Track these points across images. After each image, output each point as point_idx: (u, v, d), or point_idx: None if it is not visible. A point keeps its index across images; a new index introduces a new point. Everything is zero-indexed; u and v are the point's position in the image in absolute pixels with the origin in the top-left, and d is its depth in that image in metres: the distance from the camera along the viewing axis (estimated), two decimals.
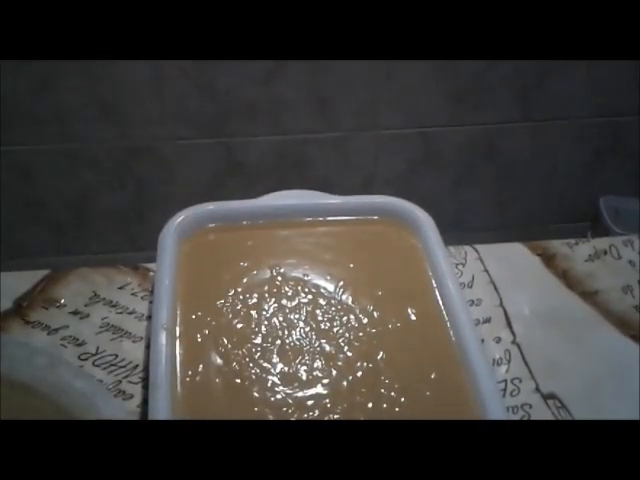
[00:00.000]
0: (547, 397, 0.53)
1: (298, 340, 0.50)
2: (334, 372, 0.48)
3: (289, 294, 0.53)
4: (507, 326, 0.58)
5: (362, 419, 0.45)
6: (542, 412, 0.52)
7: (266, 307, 0.52)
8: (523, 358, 0.55)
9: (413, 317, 0.52)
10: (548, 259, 0.64)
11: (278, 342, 0.50)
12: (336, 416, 0.45)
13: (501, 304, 0.60)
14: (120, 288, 0.59)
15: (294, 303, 0.53)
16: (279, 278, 0.54)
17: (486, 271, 0.62)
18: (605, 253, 0.65)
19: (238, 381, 0.47)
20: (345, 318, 0.52)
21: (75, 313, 0.56)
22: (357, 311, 0.52)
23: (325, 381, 0.48)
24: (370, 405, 0.46)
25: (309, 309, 0.52)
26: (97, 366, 0.53)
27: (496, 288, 0.61)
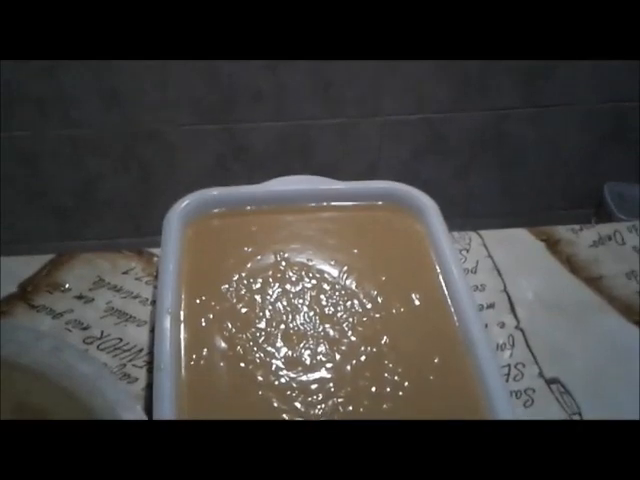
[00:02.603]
0: (550, 382, 0.53)
1: (302, 325, 0.50)
2: (338, 356, 0.48)
3: (293, 279, 0.53)
4: (511, 311, 0.58)
5: (366, 403, 0.46)
6: (545, 397, 0.52)
7: (270, 292, 0.52)
8: (527, 343, 0.55)
9: (417, 302, 0.52)
10: (552, 245, 0.64)
11: (282, 327, 0.50)
12: (340, 399, 0.45)
13: (505, 289, 0.60)
14: (124, 273, 0.59)
15: (298, 288, 0.53)
16: (283, 263, 0.54)
17: (490, 257, 0.62)
18: (609, 239, 0.65)
19: (242, 365, 0.47)
20: (349, 303, 0.52)
21: (80, 297, 0.57)
22: (361, 296, 0.52)
23: (329, 365, 0.48)
24: (374, 389, 0.46)
25: (313, 294, 0.52)
26: (102, 350, 0.53)
27: (500, 274, 0.61)
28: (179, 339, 0.48)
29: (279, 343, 0.49)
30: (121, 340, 0.54)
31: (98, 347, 0.53)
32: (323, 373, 0.47)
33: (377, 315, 0.51)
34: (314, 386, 0.46)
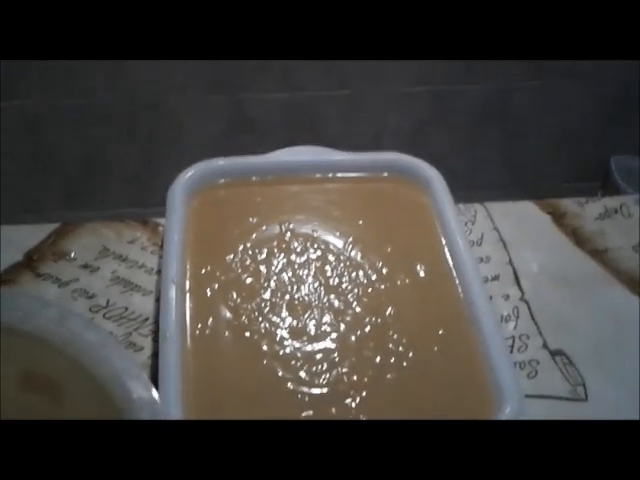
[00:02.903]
0: (555, 354, 0.53)
1: (307, 295, 0.50)
2: (342, 327, 0.48)
3: (298, 250, 0.53)
4: (516, 283, 0.58)
5: (370, 373, 0.46)
6: (549, 368, 0.52)
7: (275, 262, 0.52)
8: (531, 315, 0.55)
9: (422, 274, 0.52)
10: (558, 217, 0.64)
11: (287, 297, 0.50)
12: (344, 369, 0.46)
13: (510, 262, 0.59)
14: (130, 242, 0.59)
15: (303, 259, 0.53)
16: (288, 234, 0.54)
17: (496, 229, 0.62)
18: (616, 212, 0.64)
19: (247, 335, 0.47)
20: (354, 274, 0.52)
21: (85, 266, 0.57)
22: (366, 267, 0.52)
23: (334, 335, 0.48)
24: (378, 359, 0.47)
25: (318, 265, 0.52)
26: (108, 319, 0.53)
27: (505, 246, 0.61)
28: (184, 309, 0.48)
29: (284, 313, 0.49)
30: (127, 309, 0.54)
31: (104, 316, 0.53)
32: (328, 343, 0.47)
33: (382, 286, 0.51)
34: (319, 356, 0.47)
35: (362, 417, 0.43)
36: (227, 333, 0.47)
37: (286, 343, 0.47)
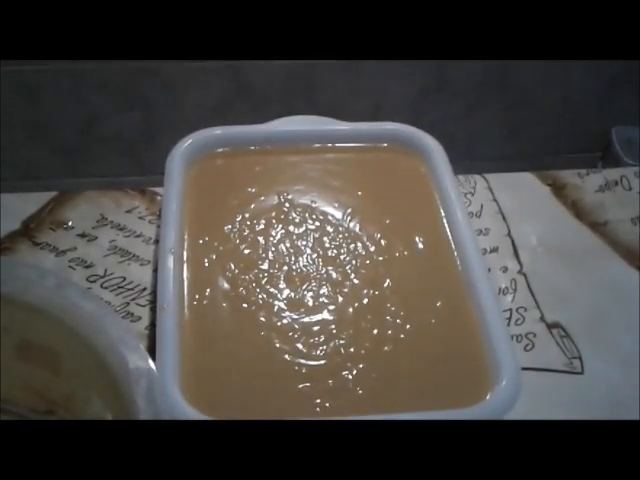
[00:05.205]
0: (551, 326, 0.53)
1: (305, 266, 0.50)
2: (340, 299, 0.48)
3: (296, 221, 0.53)
4: (514, 256, 0.58)
5: (367, 345, 0.46)
6: (546, 341, 0.52)
7: (273, 233, 0.52)
8: (529, 288, 0.56)
9: (420, 245, 0.52)
10: (558, 189, 0.63)
11: (285, 268, 0.50)
12: (341, 341, 0.46)
13: (509, 234, 0.59)
14: (127, 212, 0.59)
15: (301, 230, 0.52)
16: (287, 204, 0.54)
17: (495, 201, 0.62)
18: (616, 184, 0.64)
19: (245, 306, 0.47)
20: (352, 245, 0.52)
21: (83, 235, 0.56)
22: (364, 239, 0.52)
23: (331, 307, 0.48)
24: (375, 331, 0.47)
25: (316, 236, 0.52)
26: (105, 288, 0.53)
27: (504, 218, 0.61)
28: (182, 279, 0.48)
29: (282, 284, 0.49)
30: (124, 279, 0.54)
31: (101, 285, 0.53)
32: (325, 315, 0.47)
33: (380, 258, 0.51)
34: (316, 328, 0.47)
35: (359, 390, 0.44)
36: (224, 304, 0.47)
37: (283, 314, 0.47)
